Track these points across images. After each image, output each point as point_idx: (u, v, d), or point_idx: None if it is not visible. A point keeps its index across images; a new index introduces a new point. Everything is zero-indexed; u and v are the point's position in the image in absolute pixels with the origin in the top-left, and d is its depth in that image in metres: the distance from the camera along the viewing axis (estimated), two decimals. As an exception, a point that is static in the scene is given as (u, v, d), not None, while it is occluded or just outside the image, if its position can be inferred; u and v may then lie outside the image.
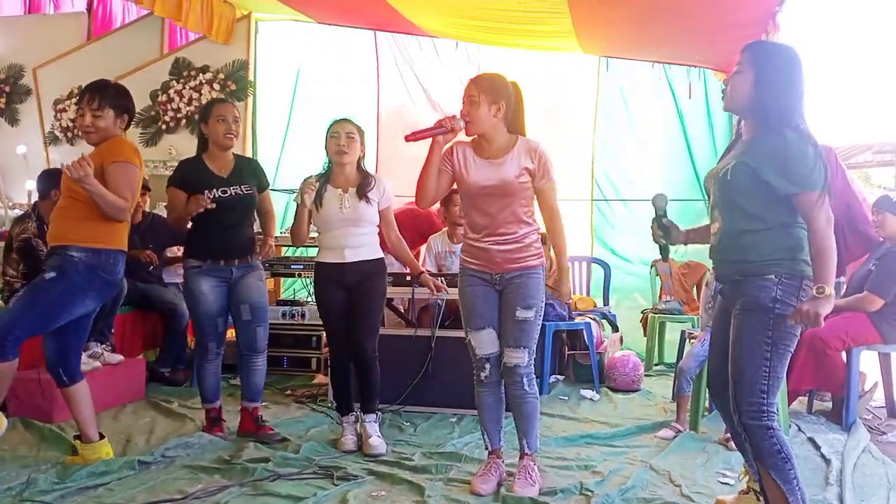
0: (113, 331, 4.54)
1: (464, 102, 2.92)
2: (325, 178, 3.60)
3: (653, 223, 2.68)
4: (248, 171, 3.69)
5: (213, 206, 3.42)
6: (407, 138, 2.91)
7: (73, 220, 3.04)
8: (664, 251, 2.70)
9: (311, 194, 3.49)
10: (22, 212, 5.35)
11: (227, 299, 3.63)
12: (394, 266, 4.44)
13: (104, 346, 4.35)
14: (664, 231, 2.66)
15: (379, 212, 3.60)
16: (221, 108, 3.61)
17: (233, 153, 3.68)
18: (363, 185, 3.55)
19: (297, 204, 3.55)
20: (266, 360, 3.77)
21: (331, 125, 3.64)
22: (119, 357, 4.41)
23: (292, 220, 5.66)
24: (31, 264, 4.17)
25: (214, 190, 3.50)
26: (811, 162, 2.24)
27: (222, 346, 3.73)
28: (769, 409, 2.30)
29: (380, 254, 3.65)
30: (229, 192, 3.55)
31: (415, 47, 6.52)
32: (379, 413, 3.64)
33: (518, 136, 2.99)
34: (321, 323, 5.04)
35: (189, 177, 3.58)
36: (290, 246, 5.61)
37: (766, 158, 2.28)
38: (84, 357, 4.05)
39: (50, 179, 4.29)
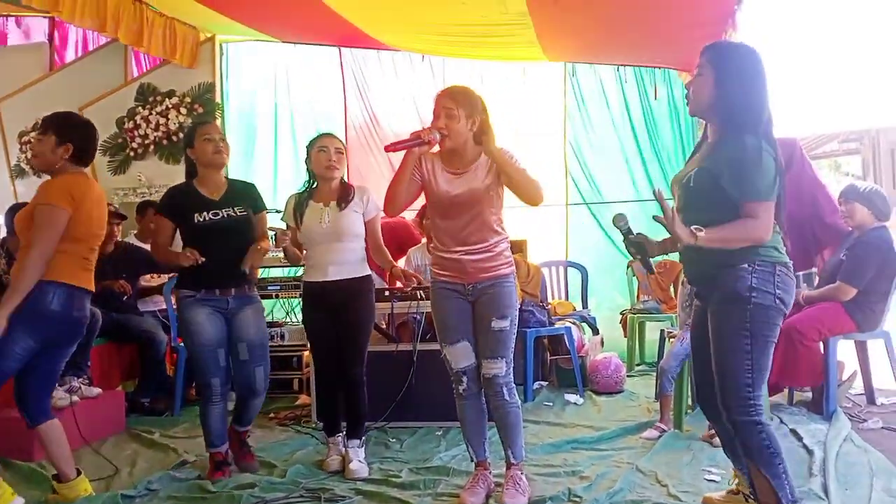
0: (89, 363, 4.47)
1: (438, 115, 2.90)
2: (308, 193, 3.57)
3: (624, 243, 2.57)
4: (242, 193, 3.51)
5: (202, 261, 3.25)
6: (386, 148, 2.92)
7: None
8: (646, 266, 2.58)
9: (285, 242, 3.43)
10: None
11: (227, 331, 3.42)
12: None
13: (81, 379, 4.28)
14: (637, 247, 2.54)
15: (365, 223, 3.54)
16: (206, 128, 3.49)
17: (225, 177, 3.53)
18: (343, 196, 3.50)
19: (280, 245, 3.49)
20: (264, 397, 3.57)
21: (317, 139, 3.57)
22: (97, 390, 4.34)
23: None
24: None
25: (205, 213, 3.35)
26: (765, 171, 2.25)
27: (228, 382, 3.47)
28: (756, 403, 2.30)
29: (366, 271, 3.58)
30: (221, 215, 3.36)
31: (379, 61, 6.51)
32: (364, 438, 3.59)
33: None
34: (301, 343, 5.10)
35: (177, 201, 3.43)
36: (266, 267, 5.58)
37: (724, 164, 2.30)
38: (61, 392, 4.01)
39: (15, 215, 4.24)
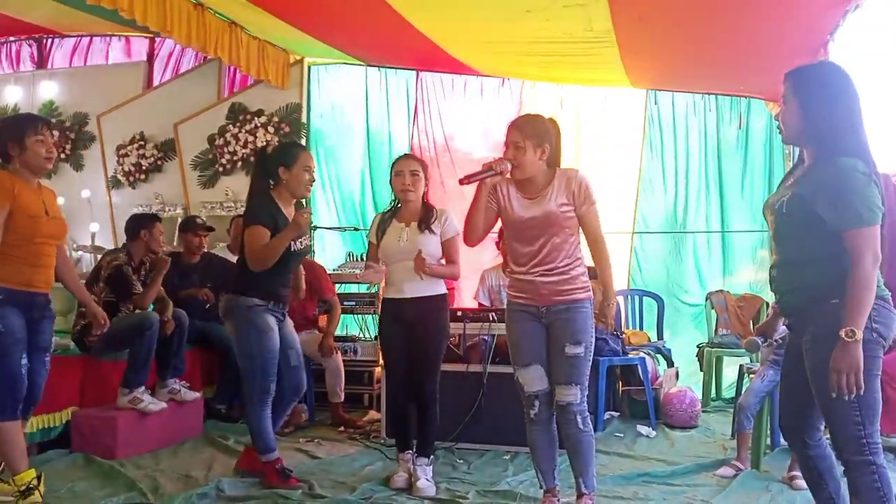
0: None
1: (507, 146, 2.95)
2: (392, 213, 3.65)
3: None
4: None
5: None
6: (461, 182, 2.96)
7: None
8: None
9: (373, 273, 3.57)
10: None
11: None
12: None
13: (182, 381, 4.48)
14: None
15: (442, 243, 3.57)
16: (308, 158, 3.54)
17: None
18: (425, 217, 3.55)
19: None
20: None
21: (395, 162, 3.65)
22: (195, 394, 4.53)
23: (343, 261, 5.85)
24: (123, 291, 4.30)
25: (301, 239, 3.50)
26: (863, 194, 2.15)
27: None
28: (870, 441, 2.17)
29: (442, 289, 3.59)
30: (304, 244, 3.59)
31: (453, 86, 6.55)
32: (433, 456, 3.61)
33: (556, 168, 3.01)
34: (373, 359, 5.18)
35: (277, 219, 3.46)
36: (343, 283, 5.68)
37: (818, 190, 2.22)
38: (148, 396, 4.18)
39: (137, 222, 4.53)
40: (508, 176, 2.96)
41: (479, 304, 5.05)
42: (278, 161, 3.50)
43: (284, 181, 3.48)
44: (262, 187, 3.54)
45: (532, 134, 2.93)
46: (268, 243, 3.36)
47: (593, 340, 3.00)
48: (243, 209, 3.68)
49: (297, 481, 3.50)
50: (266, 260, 3.36)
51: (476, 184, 2.96)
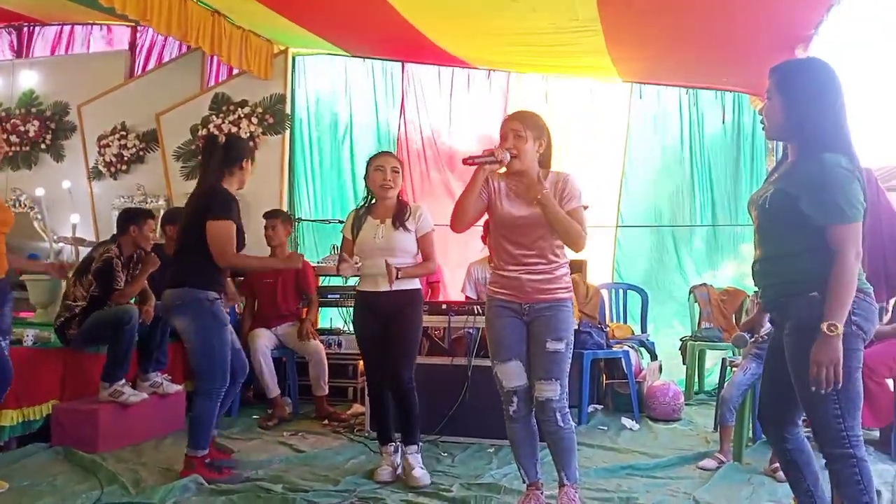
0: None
1: (506, 136, 2.93)
2: (367, 209, 3.65)
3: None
4: None
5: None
6: (465, 162, 2.93)
7: None
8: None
9: (349, 267, 3.52)
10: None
11: None
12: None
13: (164, 374, 4.45)
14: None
15: (417, 239, 3.60)
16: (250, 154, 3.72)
17: None
18: (399, 214, 3.58)
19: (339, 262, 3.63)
20: None
21: (374, 158, 3.66)
22: (177, 387, 4.50)
23: (327, 253, 5.82)
24: (106, 285, 4.23)
25: None
26: (846, 191, 2.15)
27: None
28: (850, 434, 2.18)
29: (415, 284, 3.64)
30: None
31: (439, 79, 6.52)
32: (420, 444, 3.61)
33: (548, 171, 3.01)
34: (357, 352, 5.15)
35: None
36: (327, 275, 5.66)
37: (802, 186, 2.22)
38: (129, 388, 4.15)
39: (128, 218, 4.45)
40: (505, 168, 2.95)
41: (466, 298, 5.06)
42: (243, 154, 3.62)
43: (242, 171, 3.60)
44: (219, 178, 3.53)
45: (532, 125, 2.94)
46: (245, 256, 3.60)
47: (573, 338, 2.99)
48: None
49: (230, 472, 3.55)
50: (233, 263, 3.53)
51: (475, 168, 2.92)
